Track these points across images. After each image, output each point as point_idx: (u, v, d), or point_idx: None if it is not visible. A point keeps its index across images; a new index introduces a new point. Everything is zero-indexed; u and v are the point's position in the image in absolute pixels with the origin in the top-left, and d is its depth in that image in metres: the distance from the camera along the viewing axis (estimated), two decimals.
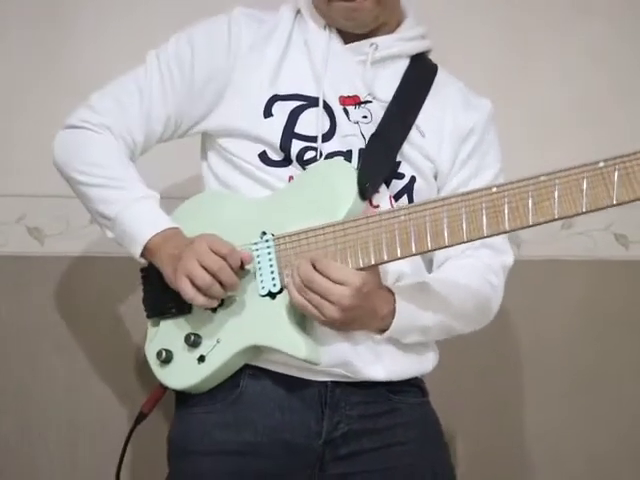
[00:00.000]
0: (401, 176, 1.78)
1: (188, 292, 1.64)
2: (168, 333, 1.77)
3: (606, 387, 2.50)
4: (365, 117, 1.78)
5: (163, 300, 1.76)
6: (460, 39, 2.39)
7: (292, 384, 1.72)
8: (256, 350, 1.72)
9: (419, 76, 1.84)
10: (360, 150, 1.75)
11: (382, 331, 1.70)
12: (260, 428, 1.72)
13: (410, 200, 1.78)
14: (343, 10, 1.75)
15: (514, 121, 2.35)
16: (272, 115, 1.76)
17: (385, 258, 1.63)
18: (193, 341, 1.72)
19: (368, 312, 1.67)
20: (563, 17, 2.48)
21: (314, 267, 1.61)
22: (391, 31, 1.83)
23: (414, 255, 1.62)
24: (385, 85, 1.80)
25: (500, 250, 1.83)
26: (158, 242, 1.70)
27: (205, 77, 1.80)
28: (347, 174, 1.72)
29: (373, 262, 1.64)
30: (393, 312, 1.69)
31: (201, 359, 1.72)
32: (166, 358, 1.74)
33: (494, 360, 2.47)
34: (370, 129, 1.77)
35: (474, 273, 1.80)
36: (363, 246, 1.63)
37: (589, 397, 2.49)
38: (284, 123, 1.75)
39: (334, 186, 1.71)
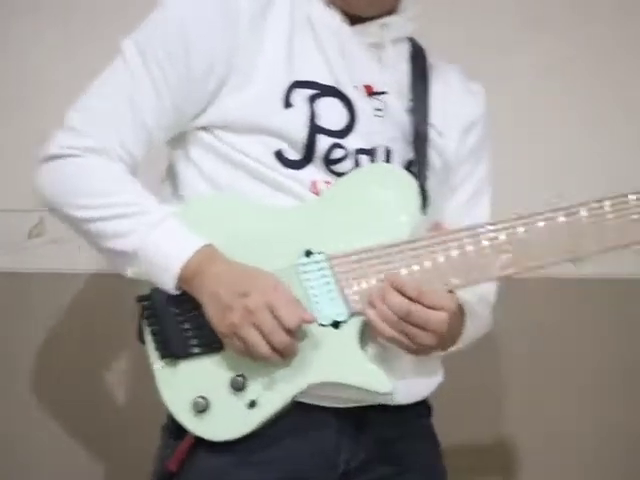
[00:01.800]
0: None
1: (245, 350, 1.46)
2: (201, 376, 1.53)
3: (566, 400, 2.49)
4: (379, 110, 1.59)
5: (182, 337, 1.51)
6: None
7: (309, 412, 1.55)
8: (315, 387, 1.53)
9: (420, 61, 1.68)
10: (386, 148, 1.57)
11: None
12: (281, 464, 1.54)
13: (424, 199, 1.59)
14: None
15: None
16: (292, 105, 1.52)
17: (477, 280, 1.51)
18: (242, 384, 1.51)
19: (452, 334, 1.55)
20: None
21: (402, 293, 1.45)
22: (393, 11, 1.63)
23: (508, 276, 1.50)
24: (397, 73, 1.63)
25: None
26: (195, 269, 1.47)
27: (205, 68, 1.52)
28: (407, 185, 1.55)
29: (464, 284, 1.51)
30: (461, 329, 1.59)
31: (252, 405, 1.51)
32: (204, 407, 1.52)
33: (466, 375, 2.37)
34: (384, 123, 1.58)
35: (483, 298, 1.70)
36: (449, 266, 1.49)
37: (548, 412, 2.48)
38: (307, 114, 1.52)
39: (392, 198, 1.54)
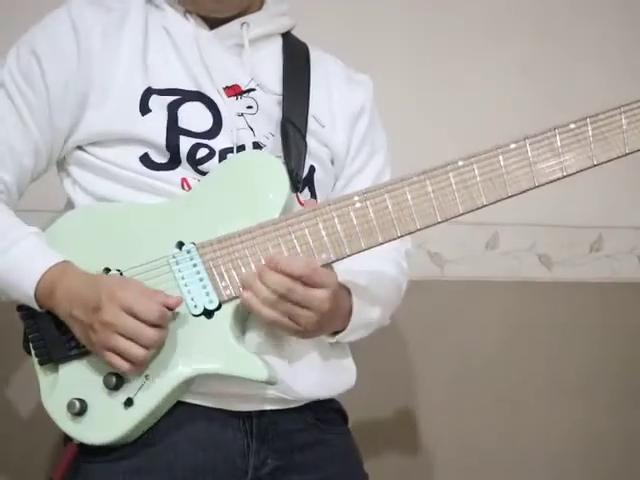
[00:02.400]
0: None
1: (123, 366, 1.41)
2: (77, 378, 1.47)
3: (529, 408, 2.44)
4: (250, 107, 1.57)
5: (60, 340, 1.47)
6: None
7: (212, 417, 1.50)
8: (193, 380, 1.46)
9: (297, 55, 1.66)
10: (254, 143, 1.55)
11: (334, 333, 1.53)
12: (178, 472, 1.48)
13: (312, 192, 1.59)
14: None
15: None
16: (150, 111, 1.52)
17: (347, 252, 1.43)
18: (115, 383, 1.44)
19: (335, 313, 1.47)
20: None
21: (281, 272, 1.38)
22: (257, 10, 1.63)
23: (380, 244, 1.42)
24: (267, 68, 1.62)
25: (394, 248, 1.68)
26: (48, 287, 1.45)
27: (62, 88, 1.53)
28: (273, 166, 1.50)
29: (333, 259, 1.43)
30: (350, 311, 1.52)
31: (128, 403, 1.44)
32: (80, 409, 1.45)
33: (416, 382, 2.35)
34: (257, 119, 1.57)
35: (388, 258, 1.64)
36: (317, 243, 1.42)
37: (512, 415, 2.43)
38: (166, 118, 1.52)
39: (261, 180, 1.48)
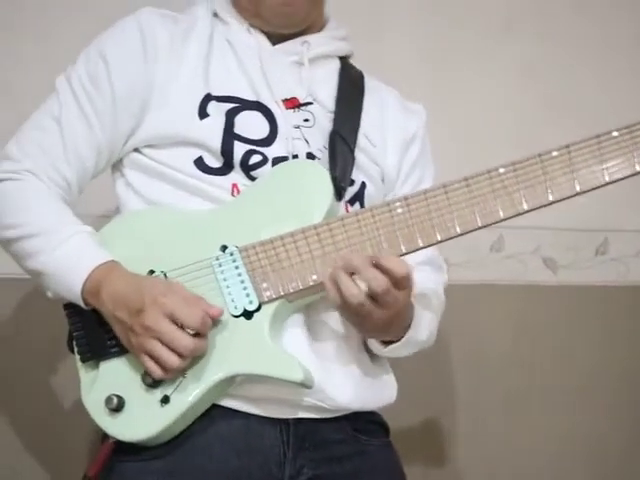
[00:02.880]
0: (352, 182, 1.61)
1: (155, 372, 1.43)
2: (116, 375, 1.49)
3: (535, 407, 2.44)
4: (307, 120, 1.62)
5: (102, 338, 1.50)
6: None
7: (248, 422, 1.50)
8: (231, 382, 1.48)
9: (352, 79, 1.72)
10: (307, 154, 1.58)
11: (387, 343, 1.54)
12: (212, 476, 1.48)
13: (362, 207, 1.61)
14: (276, 5, 1.60)
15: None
16: (208, 115, 1.56)
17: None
18: (153, 380, 1.45)
19: (402, 320, 1.50)
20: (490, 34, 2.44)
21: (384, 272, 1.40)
22: (318, 31, 1.70)
23: (421, 249, 1.45)
24: (324, 86, 1.66)
25: (440, 267, 1.74)
26: (95, 286, 1.47)
27: (127, 90, 1.58)
28: (318, 174, 1.53)
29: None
30: (408, 325, 1.53)
31: (165, 400, 1.45)
32: (118, 405, 1.46)
33: (428, 382, 2.36)
34: (313, 133, 1.61)
35: (435, 289, 1.68)
36: (358, 247, 1.44)
37: (521, 420, 2.42)
38: (223, 124, 1.56)
39: (306, 187, 1.51)
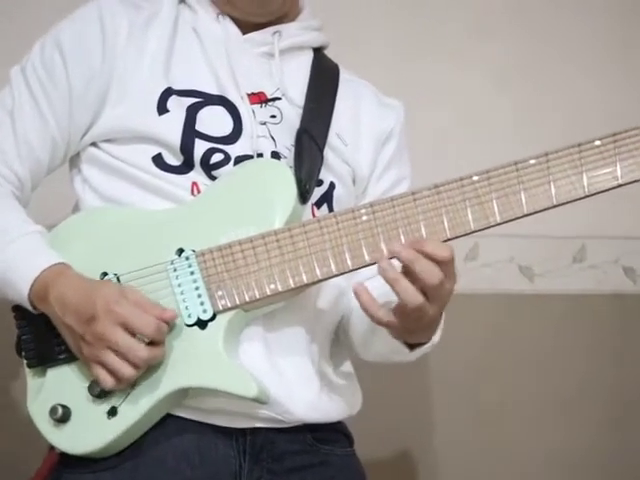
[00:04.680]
0: (320, 182, 1.54)
1: (108, 382, 1.36)
2: (62, 384, 1.42)
3: (510, 421, 2.39)
4: (274, 116, 1.54)
5: (50, 344, 1.43)
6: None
7: (202, 432, 1.43)
8: (183, 394, 1.41)
9: (326, 72, 1.64)
10: (273, 153, 1.51)
11: (412, 346, 1.47)
12: None
13: (330, 209, 1.55)
14: None
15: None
16: (168, 111, 1.49)
17: (350, 267, 1.37)
18: (100, 391, 1.38)
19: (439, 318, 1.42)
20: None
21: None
22: (292, 20, 1.62)
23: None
24: (293, 80, 1.59)
25: None
26: (42, 289, 1.40)
27: (84, 81, 1.51)
28: (282, 175, 1.45)
29: (335, 272, 1.37)
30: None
31: (112, 412, 1.38)
32: (63, 416, 1.39)
33: (398, 397, 2.32)
34: (281, 130, 1.53)
35: None
36: (319, 255, 1.37)
37: (493, 431, 2.38)
38: (183, 120, 1.49)
39: (268, 189, 1.43)
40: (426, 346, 1.48)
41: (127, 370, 1.34)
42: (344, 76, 1.67)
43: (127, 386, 1.37)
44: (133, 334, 1.34)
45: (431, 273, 1.29)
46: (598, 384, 2.40)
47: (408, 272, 1.30)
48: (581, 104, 2.42)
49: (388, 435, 2.30)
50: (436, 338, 1.49)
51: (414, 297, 1.30)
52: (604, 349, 2.42)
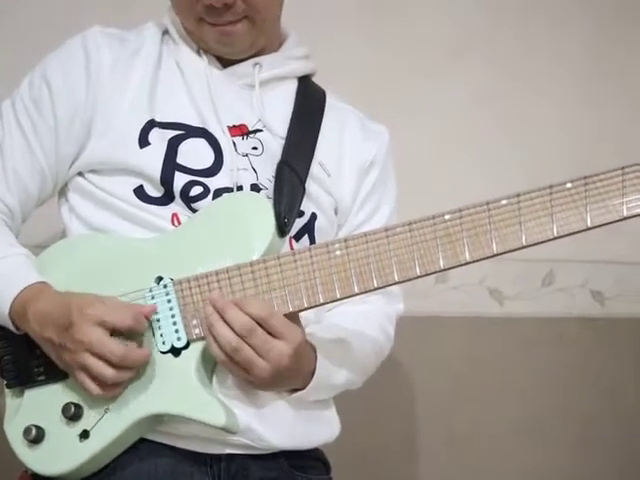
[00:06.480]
0: (301, 213, 1.55)
1: (92, 389, 1.37)
2: (38, 405, 1.44)
3: (482, 442, 2.40)
4: (255, 148, 1.56)
5: (29, 365, 1.45)
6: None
7: (176, 458, 1.44)
8: (156, 420, 1.42)
9: (310, 100, 1.65)
10: (252, 185, 1.52)
11: (293, 390, 1.48)
12: None
13: (312, 240, 1.56)
14: (213, 34, 1.55)
15: None
16: (149, 144, 1.51)
17: (320, 300, 1.39)
18: (74, 413, 1.40)
19: (295, 372, 1.43)
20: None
21: (247, 313, 1.36)
22: (274, 51, 1.64)
23: (356, 295, 1.39)
24: (276, 111, 1.60)
25: (395, 297, 1.68)
26: (22, 307, 1.42)
27: (69, 115, 1.53)
28: (260, 208, 1.47)
29: (306, 306, 1.40)
30: (313, 371, 1.47)
31: (84, 435, 1.40)
32: (36, 437, 1.41)
33: (367, 421, 2.30)
34: (263, 162, 1.54)
35: (375, 322, 1.64)
36: (292, 288, 1.39)
37: (466, 459, 2.39)
38: (164, 153, 1.51)
39: (247, 222, 1.46)
40: (300, 393, 1.49)
41: (107, 371, 1.35)
42: (330, 102, 1.68)
43: (111, 394, 1.39)
44: (112, 333, 1.36)
45: (238, 321, 1.35)
46: (567, 405, 2.43)
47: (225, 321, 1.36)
48: (565, 118, 2.46)
49: (364, 462, 2.31)
50: (337, 380, 1.53)
51: (223, 333, 1.36)
52: (573, 371, 2.44)
